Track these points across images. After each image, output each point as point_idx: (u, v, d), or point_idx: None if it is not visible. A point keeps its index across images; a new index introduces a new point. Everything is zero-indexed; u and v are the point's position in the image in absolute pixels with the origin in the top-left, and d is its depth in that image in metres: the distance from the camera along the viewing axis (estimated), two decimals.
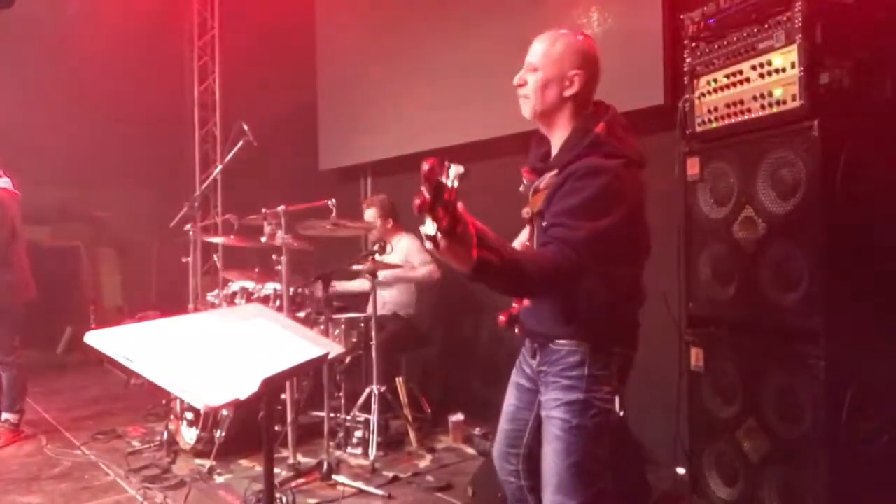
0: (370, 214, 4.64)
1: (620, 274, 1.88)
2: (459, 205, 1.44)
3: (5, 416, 4.31)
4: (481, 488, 3.17)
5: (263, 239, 3.97)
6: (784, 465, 2.38)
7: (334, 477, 3.51)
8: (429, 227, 1.46)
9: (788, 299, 2.36)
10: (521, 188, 2.04)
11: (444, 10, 4.86)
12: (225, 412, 3.75)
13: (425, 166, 1.41)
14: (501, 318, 2.10)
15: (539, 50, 1.94)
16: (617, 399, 1.91)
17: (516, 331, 2.08)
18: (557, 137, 1.96)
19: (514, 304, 2.08)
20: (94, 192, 7.03)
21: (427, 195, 1.42)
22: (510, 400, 2.15)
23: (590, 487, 1.90)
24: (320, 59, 6.24)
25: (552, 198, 1.83)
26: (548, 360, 1.95)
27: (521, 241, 2.11)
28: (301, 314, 4.18)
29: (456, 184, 1.46)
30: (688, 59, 2.76)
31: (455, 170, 1.47)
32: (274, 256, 4.03)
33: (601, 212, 1.75)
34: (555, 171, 1.88)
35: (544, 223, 1.83)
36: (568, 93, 1.91)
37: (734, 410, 2.58)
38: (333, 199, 4.06)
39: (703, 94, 2.70)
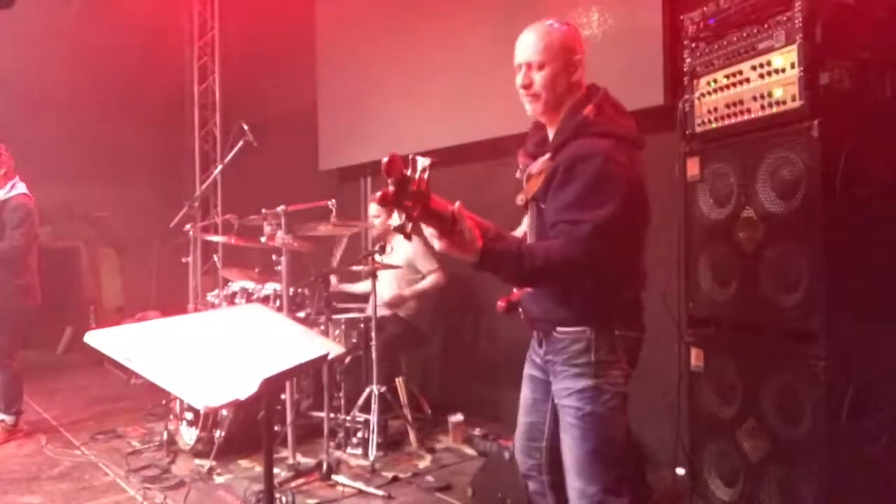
0: (375, 209, 4.60)
1: (619, 255, 1.87)
2: (458, 201, 1.46)
3: (1, 416, 4.32)
4: (481, 489, 3.17)
5: (263, 239, 3.97)
6: (784, 465, 2.38)
7: (334, 477, 3.51)
8: (394, 219, 1.50)
9: (788, 300, 2.36)
10: (518, 174, 2.05)
11: (443, 10, 4.85)
12: (225, 412, 3.75)
13: (384, 160, 1.45)
14: (500, 303, 2.10)
15: (538, 46, 1.94)
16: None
17: (521, 315, 2.08)
18: (556, 123, 1.98)
19: (514, 290, 2.08)
20: (94, 192, 7.03)
21: (391, 188, 1.45)
22: (526, 392, 2.15)
23: (609, 472, 1.91)
24: (320, 60, 6.23)
25: (548, 188, 1.85)
26: (553, 348, 1.96)
27: (521, 230, 2.12)
28: (301, 314, 4.18)
29: (425, 175, 1.49)
30: (688, 60, 2.76)
31: (422, 162, 1.51)
32: (274, 256, 4.03)
33: (599, 201, 1.76)
34: (548, 156, 1.90)
35: (548, 221, 1.83)
36: (574, 78, 1.95)
37: (734, 410, 2.58)
38: (333, 200, 4.06)
39: (703, 95, 2.69)
